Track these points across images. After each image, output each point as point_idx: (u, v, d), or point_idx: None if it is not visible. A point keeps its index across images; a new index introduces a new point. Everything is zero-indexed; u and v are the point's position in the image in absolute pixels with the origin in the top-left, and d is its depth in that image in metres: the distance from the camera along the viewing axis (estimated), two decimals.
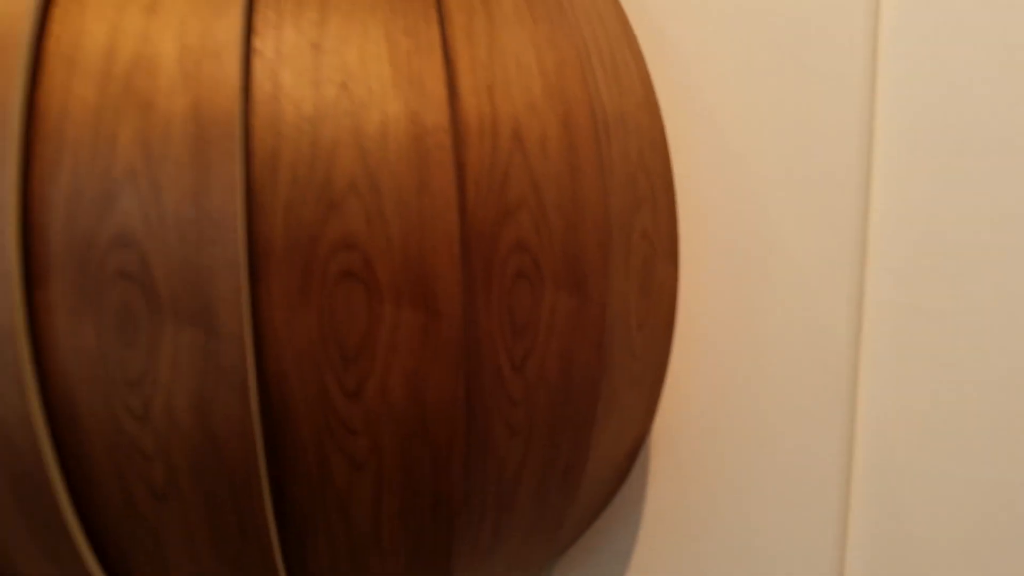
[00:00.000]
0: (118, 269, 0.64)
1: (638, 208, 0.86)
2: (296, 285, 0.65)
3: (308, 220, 0.65)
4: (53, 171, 0.63)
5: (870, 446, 0.93)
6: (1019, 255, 0.83)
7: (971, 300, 0.87)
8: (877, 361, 0.92)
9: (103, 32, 0.64)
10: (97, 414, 0.66)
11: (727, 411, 1.03)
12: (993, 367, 0.86)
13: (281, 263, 0.65)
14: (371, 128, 0.67)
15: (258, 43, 0.65)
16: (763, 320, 0.99)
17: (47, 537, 0.68)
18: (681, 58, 0.99)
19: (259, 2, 0.66)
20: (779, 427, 0.99)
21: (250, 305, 0.64)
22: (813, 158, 0.94)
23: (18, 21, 0.63)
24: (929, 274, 0.88)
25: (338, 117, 0.66)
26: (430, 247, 0.67)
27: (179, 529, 0.71)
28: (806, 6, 0.92)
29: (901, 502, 0.92)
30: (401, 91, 0.68)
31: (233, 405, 0.65)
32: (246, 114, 0.63)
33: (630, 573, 1.12)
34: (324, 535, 0.73)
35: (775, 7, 0.93)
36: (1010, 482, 0.87)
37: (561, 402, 0.78)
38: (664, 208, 0.91)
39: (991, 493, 0.88)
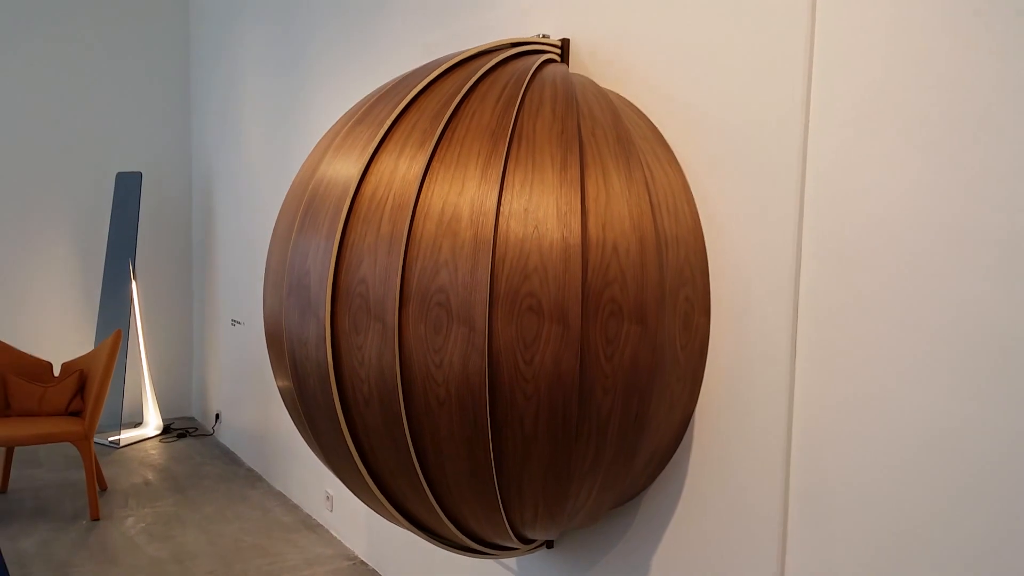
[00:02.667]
0: (436, 302, 1.53)
1: (682, 285, 1.67)
2: (507, 312, 1.51)
3: (515, 284, 1.51)
4: (415, 260, 1.54)
5: (804, 420, 1.62)
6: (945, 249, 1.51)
7: (899, 296, 1.55)
8: (811, 348, 1.62)
9: (440, 200, 1.56)
10: (420, 363, 1.55)
11: (702, 401, 1.76)
12: (918, 357, 1.54)
13: (502, 302, 1.51)
14: (545, 245, 1.53)
15: (503, 208, 1.53)
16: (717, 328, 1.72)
17: (393, 430, 1.57)
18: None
19: (505, 187, 1.55)
20: (725, 403, 1.71)
21: (486, 319, 1.51)
22: (754, 160, 1.67)
23: (409, 188, 1.56)
24: (860, 265, 1.57)
25: (530, 239, 1.53)
26: (567, 297, 1.51)
27: (447, 421, 1.58)
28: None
29: (831, 457, 1.60)
30: (559, 227, 1.54)
31: (477, 362, 1.51)
32: (495, 239, 1.51)
33: (679, 508, 1.86)
34: (511, 431, 1.58)
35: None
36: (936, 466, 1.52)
37: (632, 379, 1.58)
38: (700, 285, 1.71)
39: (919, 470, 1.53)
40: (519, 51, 1.93)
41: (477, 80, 1.76)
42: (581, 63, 2.10)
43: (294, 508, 4.08)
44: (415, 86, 1.77)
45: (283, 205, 1.97)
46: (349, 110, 1.99)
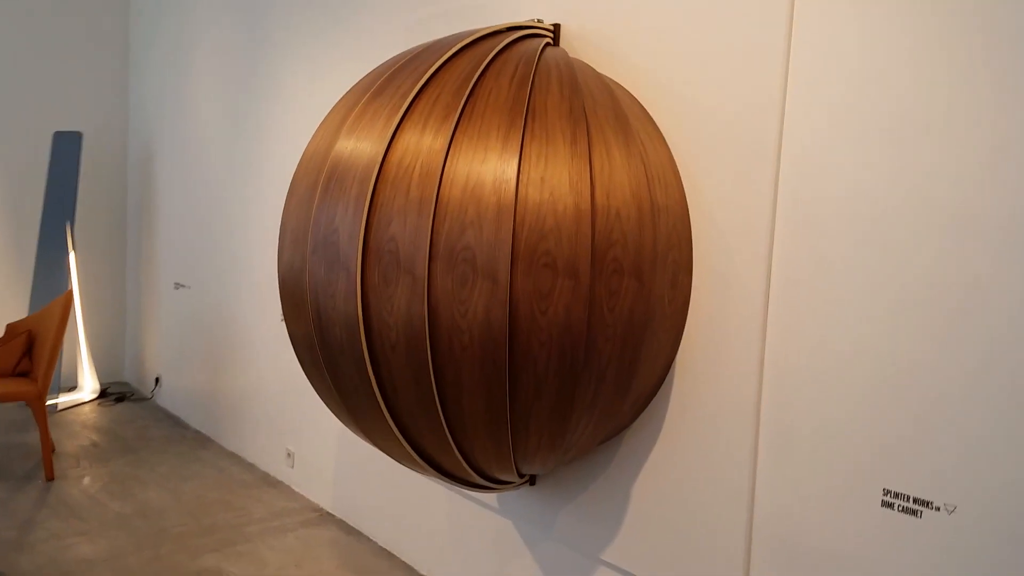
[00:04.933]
0: (463, 258, 1.73)
1: (670, 248, 1.91)
2: (525, 268, 1.73)
3: (533, 242, 1.72)
4: (442, 221, 1.73)
5: (775, 365, 1.90)
6: (915, 225, 1.80)
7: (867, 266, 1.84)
8: (782, 302, 1.90)
9: (464, 170, 1.75)
10: (447, 312, 1.75)
11: (682, 353, 2.03)
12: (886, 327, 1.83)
13: (520, 258, 1.72)
14: (559, 208, 1.74)
15: (522, 176, 1.74)
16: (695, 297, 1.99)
17: (419, 379, 1.77)
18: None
19: (524, 159, 1.75)
20: (703, 350, 1.98)
21: (508, 273, 1.72)
22: (736, 135, 1.94)
23: (436, 158, 1.74)
24: (827, 230, 1.86)
25: (545, 204, 1.74)
26: (579, 254, 1.73)
27: (469, 363, 1.78)
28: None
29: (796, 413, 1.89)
30: (572, 194, 1.75)
31: (499, 312, 1.72)
32: (516, 203, 1.72)
33: (658, 445, 2.12)
34: (526, 374, 1.79)
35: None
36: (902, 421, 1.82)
37: (629, 328, 1.82)
38: (685, 249, 1.96)
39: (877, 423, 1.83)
40: (522, 34, 2.12)
41: (491, 60, 1.95)
42: (571, 47, 2.31)
43: (251, 467, 4.20)
44: (433, 63, 1.94)
45: (298, 171, 2.12)
46: (359, 84, 2.14)
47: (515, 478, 2.13)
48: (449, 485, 2.81)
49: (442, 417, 1.87)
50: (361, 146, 1.89)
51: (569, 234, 1.76)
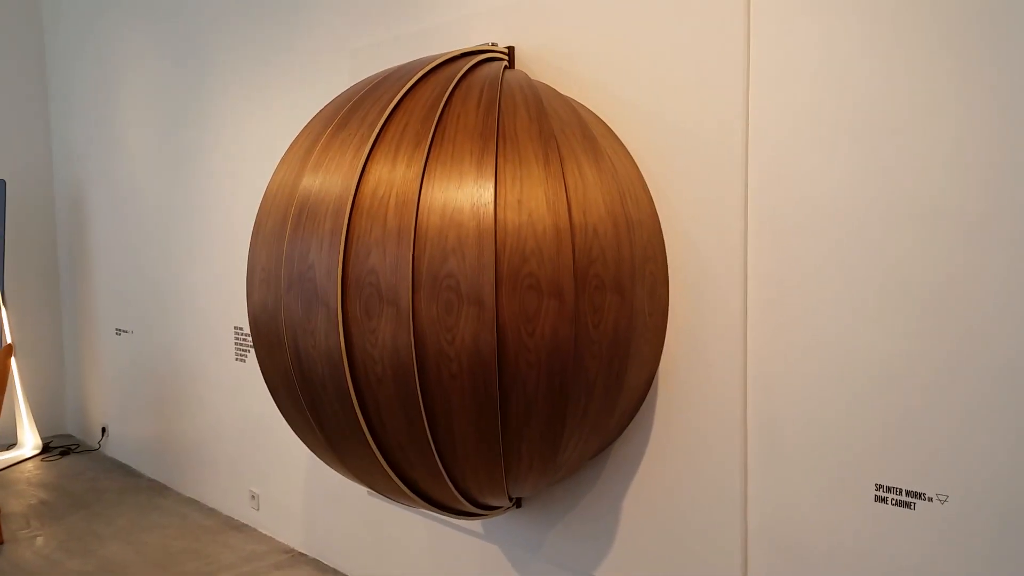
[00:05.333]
0: (446, 285, 1.72)
1: (646, 261, 1.93)
2: (510, 288, 1.72)
3: (515, 266, 1.72)
4: (423, 250, 1.71)
5: (757, 367, 1.94)
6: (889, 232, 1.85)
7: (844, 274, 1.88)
8: (760, 306, 1.94)
9: (440, 197, 1.74)
10: (433, 340, 1.73)
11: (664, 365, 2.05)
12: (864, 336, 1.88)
13: (505, 281, 1.72)
14: (539, 229, 1.74)
15: (499, 200, 1.73)
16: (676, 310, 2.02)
17: (408, 409, 1.74)
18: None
19: (500, 183, 1.75)
20: (685, 358, 2.01)
21: (494, 297, 1.71)
22: (701, 157, 1.98)
23: (411, 186, 1.73)
24: (798, 235, 1.90)
25: (525, 226, 1.74)
26: (560, 274, 1.74)
27: (459, 390, 1.77)
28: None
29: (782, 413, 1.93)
30: (550, 215, 1.76)
31: (487, 336, 1.71)
32: (496, 227, 1.71)
33: (646, 457, 2.14)
34: (516, 397, 1.79)
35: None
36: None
37: (614, 344, 1.83)
38: (660, 261, 1.98)
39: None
40: (481, 59, 2.12)
41: (455, 86, 1.95)
42: (528, 69, 2.32)
43: (213, 512, 4.07)
44: (397, 92, 1.93)
45: (263, 208, 2.07)
46: (319, 116, 2.11)
47: (506, 502, 2.11)
48: (436, 516, 2.78)
49: (432, 447, 1.85)
50: (331, 179, 1.87)
51: (551, 254, 1.76)
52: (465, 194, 1.76)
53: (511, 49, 2.33)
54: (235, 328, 3.81)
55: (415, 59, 2.20)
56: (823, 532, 1.82)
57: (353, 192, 1.81)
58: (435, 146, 1.83)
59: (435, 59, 2.05)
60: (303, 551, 3.52)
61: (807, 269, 1.81)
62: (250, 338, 3.68)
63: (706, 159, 1.96)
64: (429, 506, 2.06)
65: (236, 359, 3.82)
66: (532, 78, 2.17)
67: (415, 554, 2.94)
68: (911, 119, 1.64)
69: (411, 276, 1.74)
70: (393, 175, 1.81)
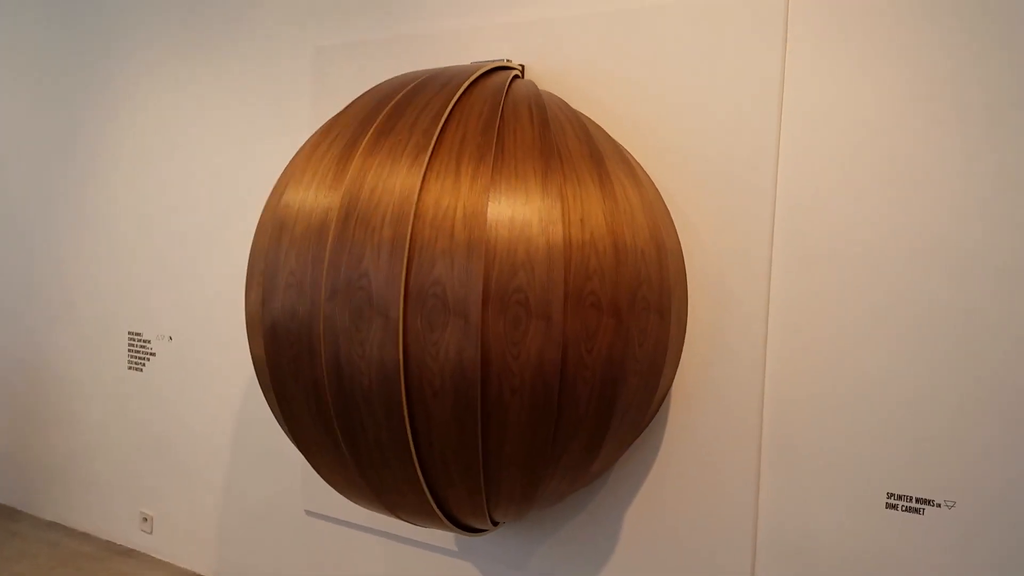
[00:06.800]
0: (515, 300, 1.72)
1: (675, 286, 2.02)
2: (575, 305, 1.75)
3: (579, 283, 1.75)
4: (492, 264, 1.70)
5: (776, 391, 2.09)
6: (906, 261, 2.03)
7: (862, 299, 2.06)
8: (782, 332, 2.09)
9: (508, 212, 1.74)
10: (498, 354, 1.72)
11: (677, 384, 2.17)
12: (882, 358, 2.05)
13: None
14: (599, 249, 1.79)
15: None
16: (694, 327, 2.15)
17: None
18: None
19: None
20: (700, 383, 2.14)
21: (563, 313, 1.73)
22: (731, 185, 2.12)
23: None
24: (822, 263, 2.07)
25: (587, 244, 1.78)
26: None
27: (516, 406, 1.76)
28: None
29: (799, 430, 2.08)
30: (609, 236, 1.81)
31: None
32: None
33: (647, 483, 2.22)
34: (568, 411, 1.81)
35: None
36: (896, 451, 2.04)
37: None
38: (656, 286, 2.07)
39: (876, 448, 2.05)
40: (515, 74, 2.13)
41: (504, 99, 1.95)
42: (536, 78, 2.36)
43: (87, 537, 3.67)
44: (447, 101, 1.91)
45: (283, 212, 1.95)
46: (345, 118, 2.03)
47: (488, 526, 2.10)
48: (399, 534, 2.70)
49: (480, 461, 1.82)
50: (385, 186, 1.80)
51: (611, 274, 1.81)
52: (533, 209, 1.77)
53: (521, 67, 2.36)
54: (130, 334, 3.48)
55: (437, 67, 2.17)
56: (835, 541, 1.99)
57: (415, 201, 1.76)
58: (497, 160, 1.83)
59: (479, 68, 2.04)
60: None
61: (827, 295, 1.98)
62: (151, 344, 3.40)
63: (735, 192, 2.09)
64: (450, 525, 2.02)
65: (130, 367, 3.49)
66: (544, 90, 2.21)
67: None
68: (944, 167, 1.85)
69: (481, 289, 1.72)
70: (459, 186, 1.78)
